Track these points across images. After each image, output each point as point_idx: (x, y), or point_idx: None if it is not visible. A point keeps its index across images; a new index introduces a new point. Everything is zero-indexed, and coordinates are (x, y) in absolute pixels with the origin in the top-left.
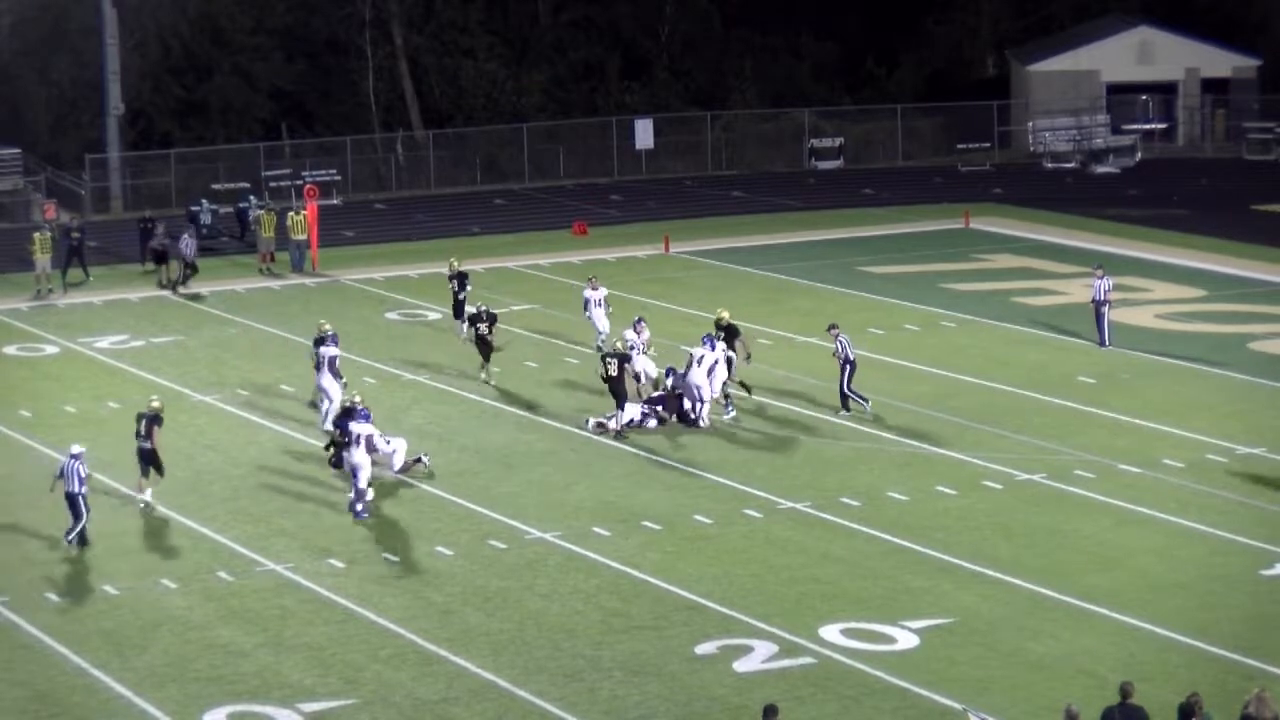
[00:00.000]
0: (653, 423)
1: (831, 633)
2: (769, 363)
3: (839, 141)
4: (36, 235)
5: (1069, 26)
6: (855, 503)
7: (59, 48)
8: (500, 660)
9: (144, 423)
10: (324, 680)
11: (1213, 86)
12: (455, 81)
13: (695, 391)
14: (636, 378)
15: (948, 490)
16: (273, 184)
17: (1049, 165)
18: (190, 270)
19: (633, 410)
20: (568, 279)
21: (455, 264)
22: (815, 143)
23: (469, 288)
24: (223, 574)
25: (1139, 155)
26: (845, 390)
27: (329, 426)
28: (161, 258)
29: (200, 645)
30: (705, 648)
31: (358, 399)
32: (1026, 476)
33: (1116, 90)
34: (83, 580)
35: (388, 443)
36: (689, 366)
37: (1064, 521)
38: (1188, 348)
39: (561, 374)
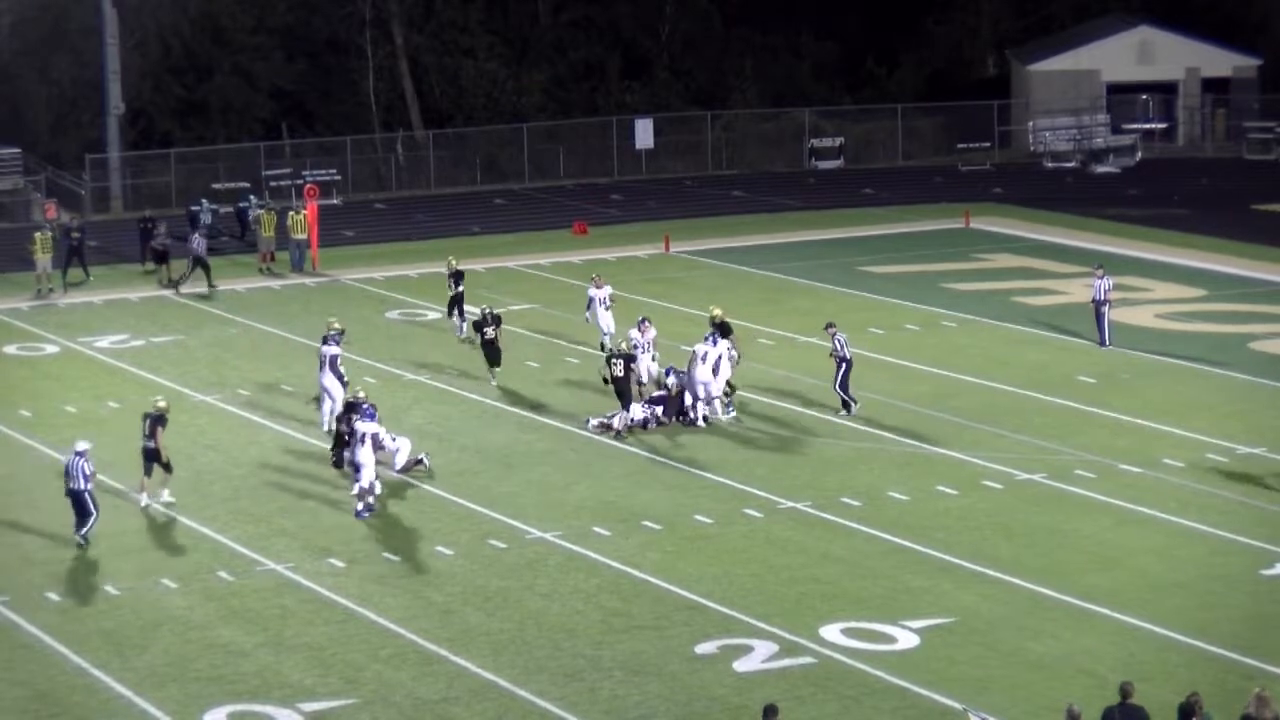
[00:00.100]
0: (653, 424)
1: (832, 632)
2: (769, 363)
3: (839, 141)
4: (37, 235)
5: (1069, 26)
6: (855, 502)
7: (59, 47)
8: (500, 660)
9: (148, 423)
10: (324, 680)
11: (1213, 86)
12: (455, 81)
13: (701, 389)
14: (639, 379)
15: (948, 490)
16: (273, 184)
17: (1049, 165)
18: (203, 268)
19: (636, 411)
20: (568, 279)
21: (453, 263)
22: (815, 142)
23: (461, 287)
24: (223, 574)
25: (1139, 155)
26: (837, 389)
27: (329, 427)
28: (162, 257)
29: (201, 645)
30: (705, 647)
31: (362, 395)
32: (1027, 476)
33: (1117, 90)
34: (83, 580)
35: (393, 439)
36: (692, 364)
37: (1064, 521)
38: (1188, 347)
39: (562, 374)
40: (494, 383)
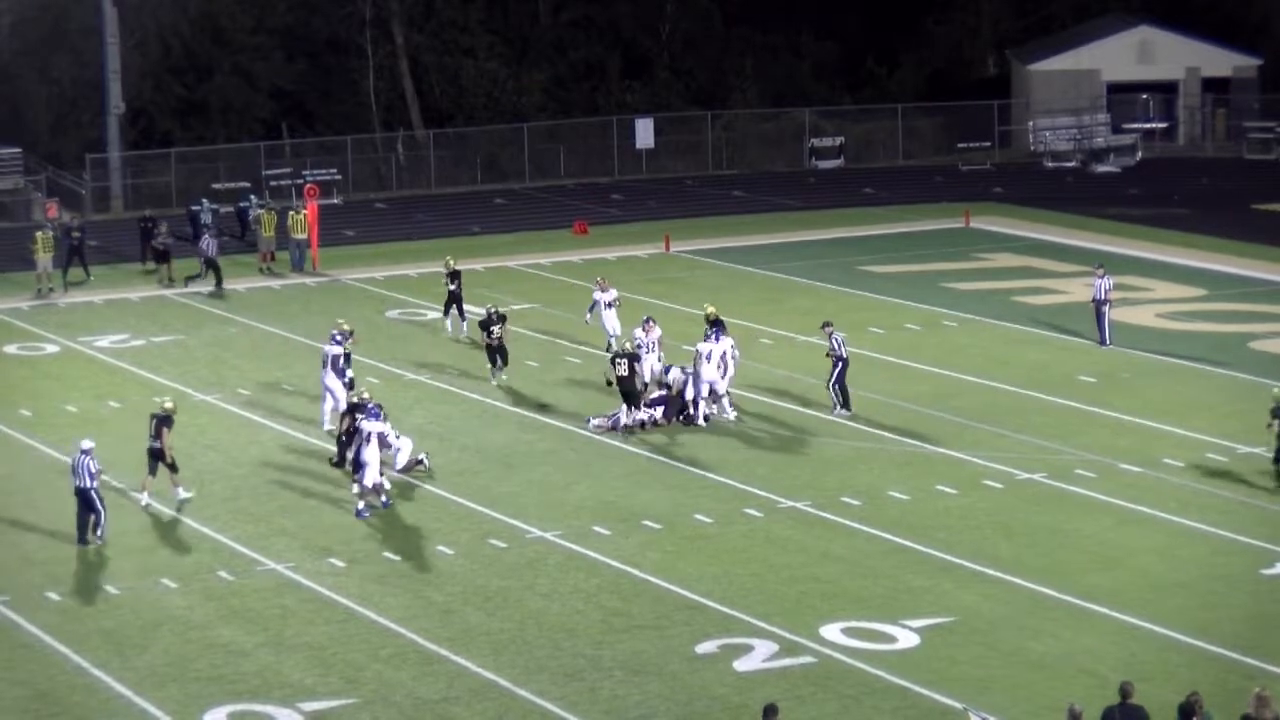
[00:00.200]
0: (650, 425)
1: (832, 632)
2: (770, 362)
3: (839, 141)
4: (39, 234)
5: (1069, 26)
6: (856, 502)
7: (59, 47)
8: (501, 660)
9: (154, 423)
10: (325, 680)
11: (1213, 86)
12: (456, 81)
13: (707, 388)
14: (642, 380)
15: (948, 489)
16: (273, 183)
17: (1049, 164)
18: (214, 270)
19: (641, 411)
20: (568, 278)
21: (451, 262)
22: (816, 142)
23: (454, 286)
24: (223, 573)
25: (1139, 154)
26: (830, 386)
27: (329, 426)
28: (164, 256)
29: (201, 645)
30: (706, 647)
31: (366, 395)
32: (1027, 476)
33: (1117, 89)
34: (83, 580)
35: (397, 437)
36: (698, 363)
37: (1065, 521)
38: (1188, 347)
39: (563, 373)
40: (494, 382)
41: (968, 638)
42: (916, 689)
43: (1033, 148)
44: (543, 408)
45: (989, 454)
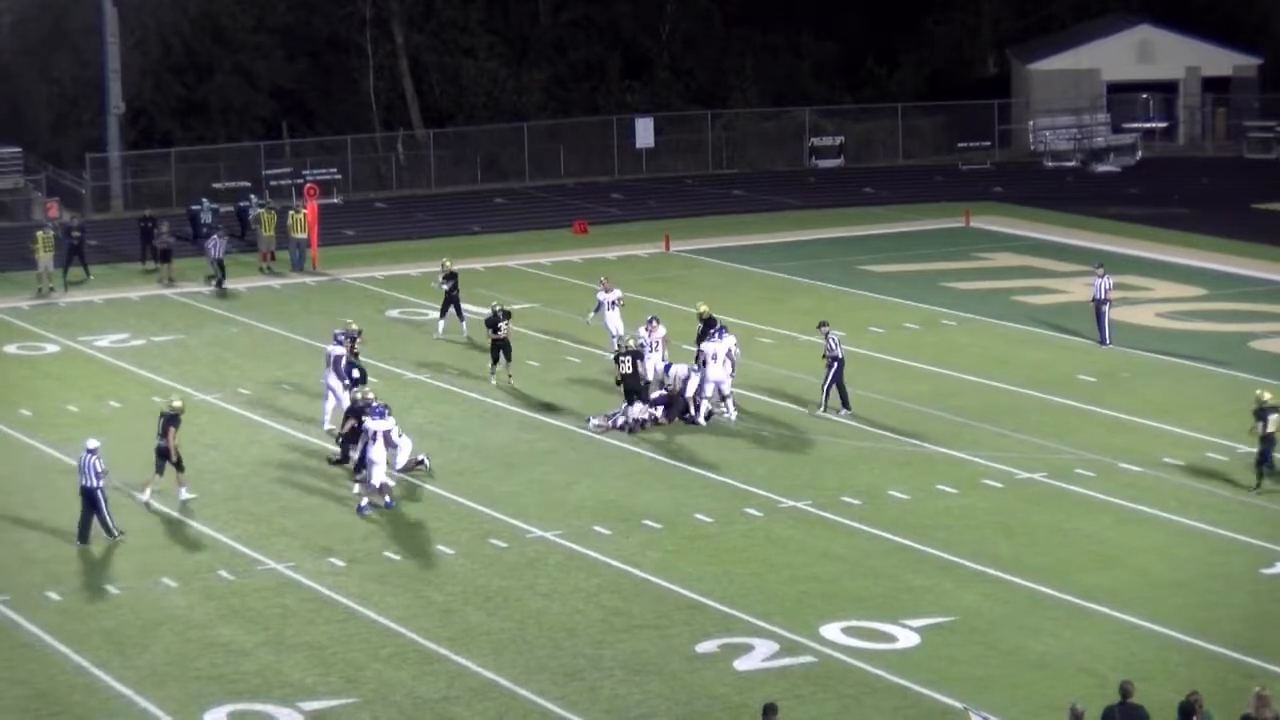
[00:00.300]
0: (650, 424)
1: (832, 631)
2: (770, 362)
3: (839, 140)
4: (39, 234)
5: (1069, 25)
6: (856, 501)
7: (60, 46)
8: (501, 659)
9: (162, 421)
10: (325, 679)
11: (1213, 85)
12: (456, 80)
13: (711, 387)
14: (645, 378)
15: (948, 489)
16: (273, 183)
17: (1049, 164)
18: (219, 270)
19: (637, 410)
20: (568, 278)
21: (448, 264)
22: (816, 141)
23: (448, 285)
24: (224, 573)
25: (1139, 154)
26: (825, 387)
27: (330, 425)
28: (165, 256)
29: (201, 644)
30: (706, 646)
31: (370, 395)
32: (1027, 475)
33: (1117, 89)
34: (83, 579)
35: (399, 435)
36: (704, 364)
37: (1065, 520)
38: (1188, 346)
39: (563, 373)
40: (493, 381)
41: (968, 637)
42: (916, 688)
43: (1033, 147)
44: (545, 407)
45: (989, 453)
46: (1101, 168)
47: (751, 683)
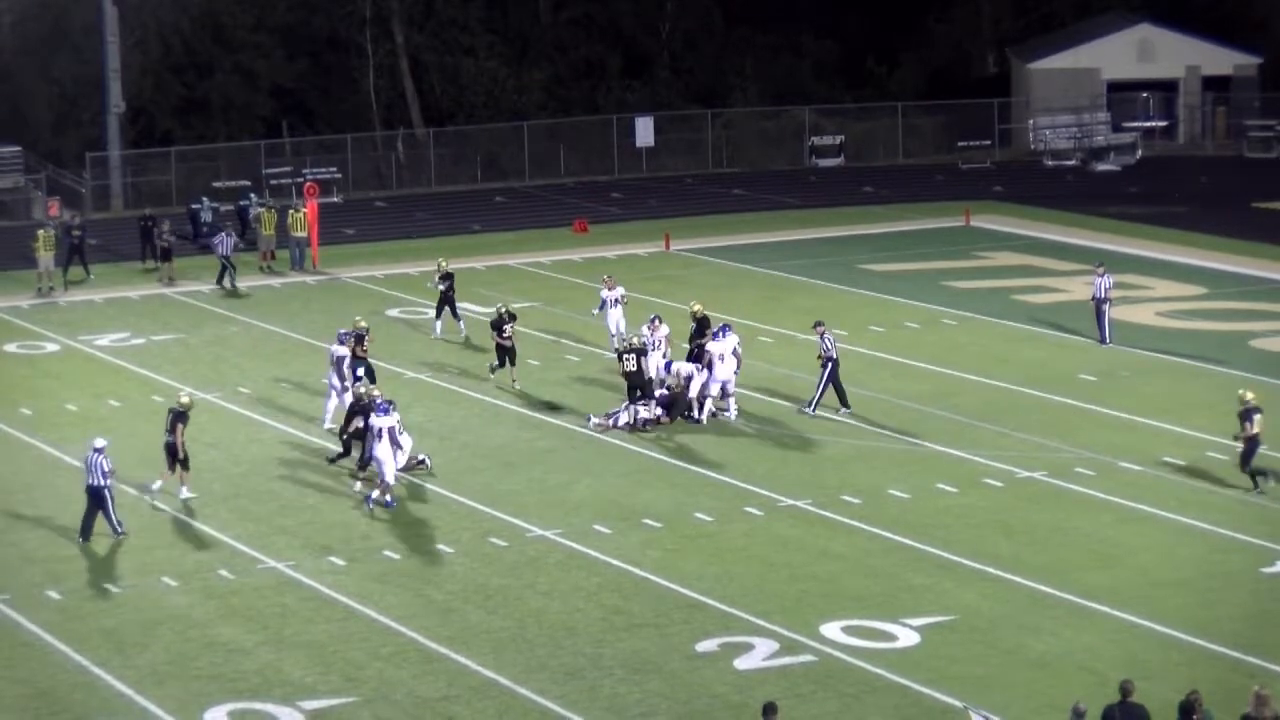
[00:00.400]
0: (652, 423)
1: (832, 630)
2: (770, 360)
3: (839, 139)
4: (40, 233)
5: (1070, 24)
6: (856, 500)
7: (60, 46)
8: (501, 658)
9: (170, 418)
10: (325, 678)
11: (1213, 84)
12: (456, 79)
13: (716, 386)
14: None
15: (948, 488)
16: (273, 182)
17: (1050, 163)
18: (224, 268)
19: (647, 411)
20: (569, 277)
21: (443, 264)
22: (816, 140)
23: (444, 286)
24: (223, 572)
25: (1139, 153)
26: (819, 386)
27: (330, 424)
28: (166, 255)
29: (201, 643)
30: (706, 645)
31: (376, 392)
32: (1027, 474)
33: (1117, 88)
34: (84, 578)
35: (402, 433)
36: (711, 364)
37: (1064, 519)
38: (1188, 345)
39: (564, 372)
40: (493, 376)
41: (968, 636)
42: (917, 687)
43: (1033, 146)
44: (545, 406)
45: (989, 452)
46: (1101, 167)
47: (751, 682)
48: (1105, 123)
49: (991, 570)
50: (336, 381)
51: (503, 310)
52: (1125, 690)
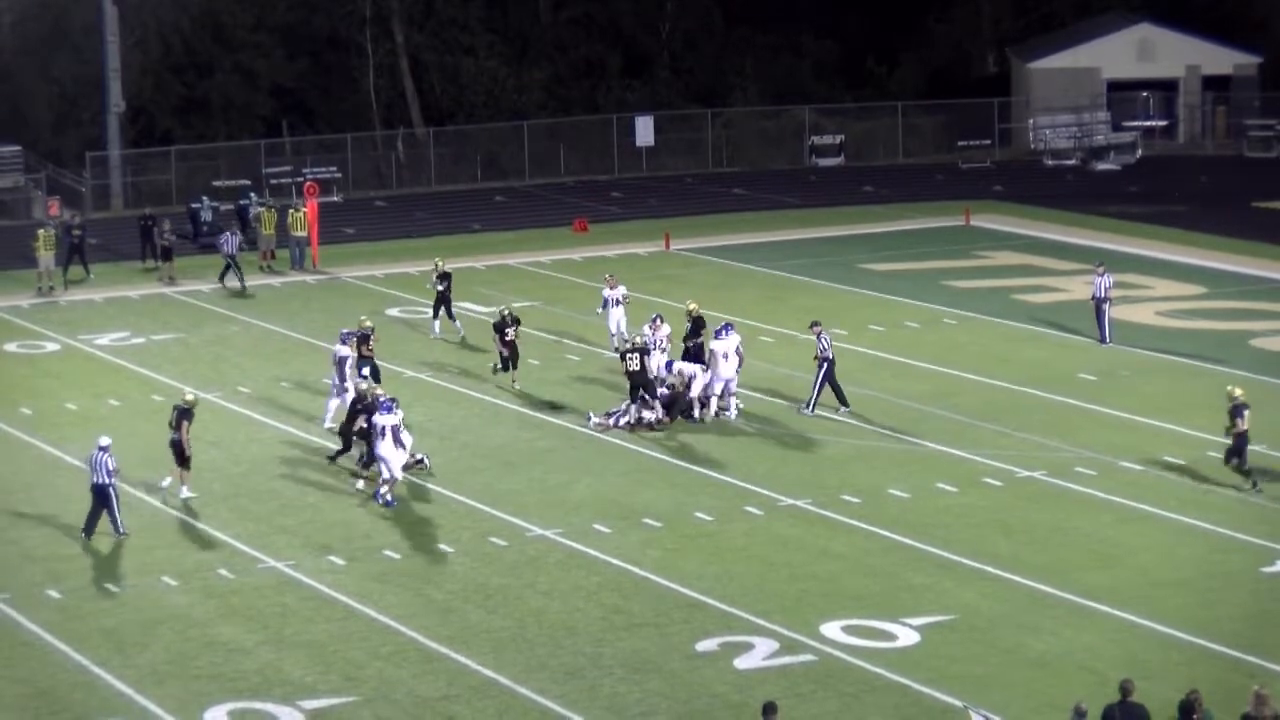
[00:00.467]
0: (653, 422)
1: (832, 630)
2: (771, 360)
3: (840, 139)
4: (41, 232)
5: (1070, 24)
6: (856, 500)
7: (60, 45)
8: (501, 658)
9: (175, 415)
10: (325, 678)
11: (1213, 84)
12: (456, 79)
13: (720, 385)
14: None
15: (948, 487)
16: (273, 181)
17: (1050, 162)
18: (229, 267)
19: (650, 411)
20: (569, 276)
21: (440, 264)
22: (816, 140)
23: (442, 286)
24: (223, 571)
25: (1139, 152)
26: (815, 386)
27: (330, 424)
28: (167, 254)
29: (201, 643)
30: (706, 645)
31: (379, 390)
32: (1027, 474)
33: (1117, 87)
34: (84, 577)
35: (406, 430)
36: (715, 363)
37: (1064, 519)
38: (1188, 345)
39: (564, 371)
40: (498, 379)
41: (968, 635)
42: (916, 687)
43: (1033, 146)
44: (545, 405)
45: (989, 452)
46: (1101, 166)
47: (751, 681)
48: (1105, 122)
49: (991, 570)
50: (338, 381)
51: (506, 313)
52: (1125, 690)
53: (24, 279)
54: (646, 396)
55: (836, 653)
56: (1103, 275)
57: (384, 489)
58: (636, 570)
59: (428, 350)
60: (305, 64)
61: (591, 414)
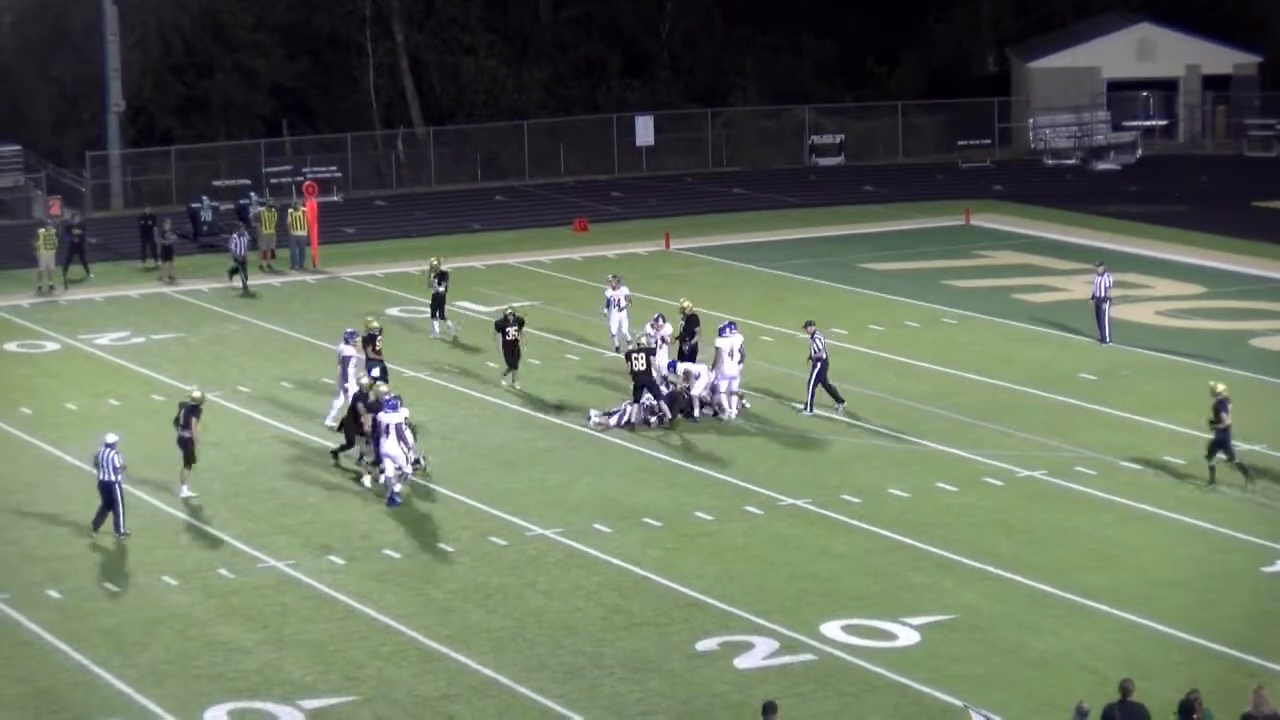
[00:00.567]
0: (654, 421)
1: (832, 629)
2: (771, 360)
3: (840, 138)
4: (41, 231)
5: (1070, 23)
6: (856, 499)
7: (60, 45)
8: (501, 657)
9: (183, 412)
10: (325, 677)
11: (1213, 83)
12: (456, 78)
13: (725, 384)
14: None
15: (948, 487)
16: (273, 180)
17: (1050, 162)
18: (242, 269)
19: (653, 411)
20: (569, 276)
21: (437, 263)
22: (816, 140)
23: (442, 286)
24: (223, 571)
25: (1139, 152)
26: (810, 387)
27: (331, 423)
28: (168, 254)
29: (201, 642)
30: (706, 644)
31: (383, 388)
32: (1027, 473)
33: (1117, 87)
34: (84, 577)
35: (409, 429)
36: (719, 362)
37: (1065, 518)
38: (1188, 344)
39: (564, 371)
40: (504, 383)
41: (968, 635)
42: (917, 686)
43: (1033, 145)
44: (545, 405)
45: (989, 451)
46: (1101, 166)
47: (751, 681)
48: (1105, 122)
49: (992, 569)
50: (342, 380)
51: (509, 313)
52: (1125, 689)
53: (24, 278)
54: (652, 397)
55: (836, 652)
56: (1103, 275)
57: (397, 486)
58: (636, 570)
59: (427, 350)
60: (305, 63)
61: (592, 412)
